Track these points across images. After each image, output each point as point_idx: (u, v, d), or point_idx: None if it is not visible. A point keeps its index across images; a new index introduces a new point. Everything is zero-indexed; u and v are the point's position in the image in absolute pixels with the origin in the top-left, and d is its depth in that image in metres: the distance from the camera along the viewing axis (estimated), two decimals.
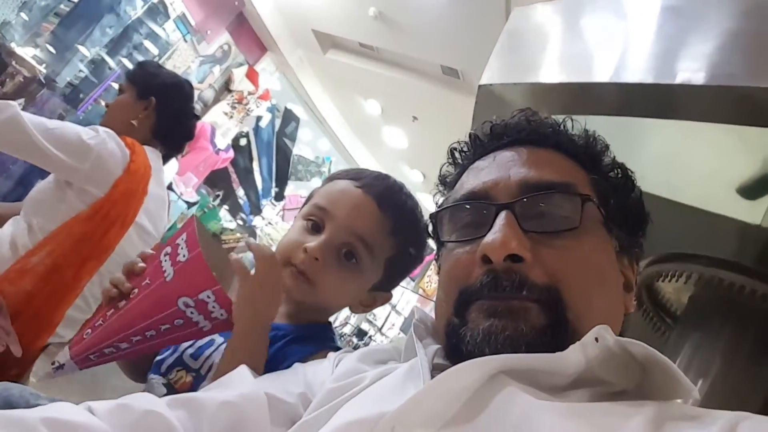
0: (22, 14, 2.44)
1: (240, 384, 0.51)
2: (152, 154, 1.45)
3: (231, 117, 3.85)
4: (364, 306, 0.80)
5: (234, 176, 4.29)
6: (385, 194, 0.77)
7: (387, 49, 3.26)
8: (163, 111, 1.50)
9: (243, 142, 4.23)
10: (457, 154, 0.61)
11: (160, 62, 3.03)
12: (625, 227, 0.53)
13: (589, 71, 0.88)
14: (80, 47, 2.63)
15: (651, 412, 0.38)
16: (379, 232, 0.73)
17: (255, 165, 4.42)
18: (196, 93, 3.42)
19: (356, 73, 3.69)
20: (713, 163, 0.91)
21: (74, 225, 1.29)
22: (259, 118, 4.18)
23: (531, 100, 0.99)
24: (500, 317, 0.45)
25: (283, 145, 4.59)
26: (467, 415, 0.40)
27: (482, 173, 0.54)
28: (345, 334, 5.32)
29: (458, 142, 0.61)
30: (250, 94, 3.87)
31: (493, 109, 1.05)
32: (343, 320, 5.10)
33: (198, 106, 3.55)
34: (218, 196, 4.11)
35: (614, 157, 0.56)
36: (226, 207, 4.24)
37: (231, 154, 4.00)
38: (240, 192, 4.37)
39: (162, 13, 2.92)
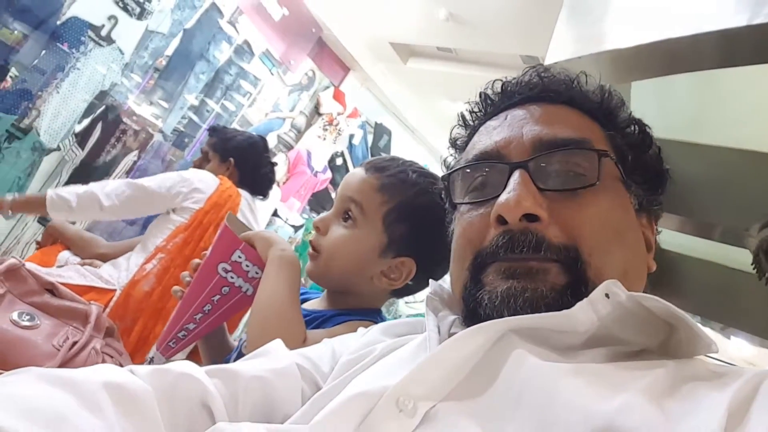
0: (133, 75, 2.68)
1: (275, 357, 0.52)
2: (243, 193, 1.89)
3: (324, 139, 3.99)
4: (388, 277, 0.80)
5: (335, 195, 4.43)
6: (373, 161, 0.87)
7: (464, 48, 3.20)
8: (243, 166, 1.94)
9: (339, 161, 4.36)
10: (467, 116, 0.59)
11: (253, 96, 3.24)
12: (644, 184, 0.50)
13: (665, 25, 0.78)
14: (187, 96, 2.87)
15: (667, 372, 0.35)
16: (365, 190, 0.82)
17: None
18: (289, 121, 3.64)
19: (439, 78, 3.66)
20: None
21: (177, 234, 1.68)
22: (351, 136, 4.29)
23: (606, 69, 0.91)
24: (519, 278, 0.43)
25: None
26: (473, 384, 0.38)
27: (494, 133, 0.52)
28: None
29: (468, 102, 0.59)
30: (339, 114, 3.99)
31: None
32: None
33: (292, 134, 3.74)
34: None
35: (631, 112, 0.53)
36: None
37: (329, 174, 4.14)
38: None
39: (248, 52, 3.11)
